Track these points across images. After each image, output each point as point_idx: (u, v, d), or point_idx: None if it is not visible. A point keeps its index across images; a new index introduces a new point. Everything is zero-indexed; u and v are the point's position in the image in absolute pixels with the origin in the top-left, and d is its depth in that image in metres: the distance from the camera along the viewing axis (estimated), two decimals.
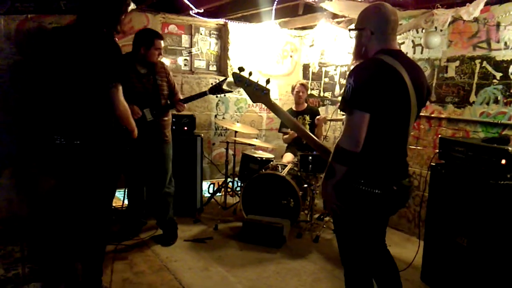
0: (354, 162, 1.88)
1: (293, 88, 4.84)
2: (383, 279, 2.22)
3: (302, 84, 4.77)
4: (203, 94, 3.75)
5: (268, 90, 2.21)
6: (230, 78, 2.53)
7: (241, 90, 5.36)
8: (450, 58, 3.83)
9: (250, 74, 2.24)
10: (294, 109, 4.84)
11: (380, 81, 1.82)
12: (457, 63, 3.77)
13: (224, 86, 3.70)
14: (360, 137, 1.81)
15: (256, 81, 2.30)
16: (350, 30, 2.10)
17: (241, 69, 2.20)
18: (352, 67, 1.94)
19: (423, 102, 2.04)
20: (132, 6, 4.01)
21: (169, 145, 3.69)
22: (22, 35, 3.94)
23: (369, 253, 2.12)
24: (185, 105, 3.67)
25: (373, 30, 1.96)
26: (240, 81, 2.19)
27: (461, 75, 3.75)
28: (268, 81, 2.24)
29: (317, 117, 4.65)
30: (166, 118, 3.61)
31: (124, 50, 4.38)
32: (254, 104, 5.59)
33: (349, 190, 1.98)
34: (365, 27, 1.98)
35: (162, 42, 3.45)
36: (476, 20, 3.51)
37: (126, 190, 3.41)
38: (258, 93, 2.15)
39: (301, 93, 4.74)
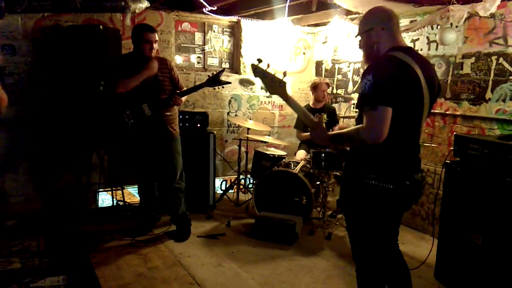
0: (365, 154, 1.92)
1: (315, 86, 4.76)
2: (393, 279, 2.21)
3: (326, 83, 4.74)
4: (200, 87, 3.61)
5: (285, 83, 2.21)
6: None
7: (254, 87, 5.43)
8: (465, 54, 3.78)
9: (268, 66, 2.25)
10: (311, 106, 4.80)
11: (398, 76, 1.85)
12: (473, 59, 3.72)
13: (222, 78, 3.57)
14: (385, 131, 1.81)
15: (273, 73, 2.31)
16: (357, 36, 2.13)
17: (259, 60, 2.21)
18: (370, 64, 1.95)
19: (434, 98, 2.06)
20: (146, 4, 4.07)
21: (176, 140, 3.67)
22: (39, 33, 4.01)
23: (381, 251, 2.11)
24: (183, 98, 3.56)
25: (383, 26, 2.00)
26: (258, 72, 2.19)
27: (476, 72, 3.70)
28: (285, 74, 2.25)
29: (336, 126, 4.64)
30: (169, 113, 3.56)
31: None
32: (267, 101, 5.60)
33: (361, 186, 1.98)
34: (373, 26, 2.02)
35: (153, 35, 3.38)
36: (492, 16, 3.46)
37: (137, 186, 3.45)
38: (275, 85, 2.16)
39: (325, 92, 4.72)
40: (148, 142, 3.56)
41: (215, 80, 3.55)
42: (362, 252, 2.15)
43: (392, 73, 1.85)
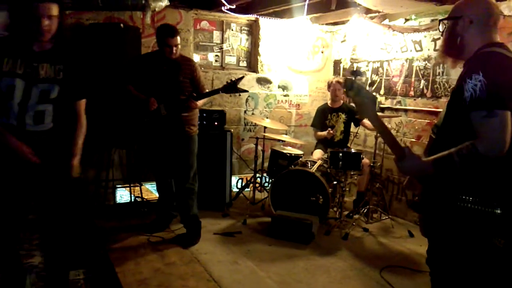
0: (481, 170, 1.55)
1: (329, 85, 4.77)
2: None
3: (338, 81, 4.70)
4: (215, 92, 3.58)
5: (376, 100, 1.81)
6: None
7: (271, 86, 5.43)
8: None
9: (358, 75, 1.74)
10: (329, 105, 4.78)
11: (511, 75, 1.56)
12: None
13: (240, 85, 3.49)
14: (507, 138, 1.50)
15: (366, 89, 1.73)
16: (441, 20, 1.80)
17: (355, 73, 1.80)
18: (471, 62, 1.65)
19: None
20: (166, 2, 4.10)
21: (192, 141, 3.64)
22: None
23: None
24: (198, 102, 3.49)
25: (472, 19, 1.69)
26: (354, 88, 1.60)
27: None
28: (372, 84, 1.83)
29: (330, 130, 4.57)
30: (186, 114, 3.54)
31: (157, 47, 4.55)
32: (284, 100, 5.59)
33: (450, 212, 1.61)
34: (462, 16, 1.72)
35: (174, 39, 3.38)
36: None
37: (155, 183, 3.48)
38: (368, 104, 1.64)
39: (337, 91, 4.67)
40: (164, 141, 3.58)
41: (232, 87, 3.49)
42: None
43: (504, 71, 1.56)
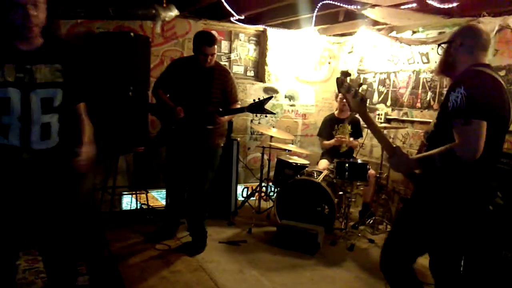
0: (457, 172, 1.83)
1: (337, 95, 4.80)
2: None
3: None
4: (240, 110, 3.52)
5: (366, 100, 2.15)
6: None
7: (277, 95, 5.46)
8: (496, 67, 3.71)
9: (348, 76, 2.22)
10: (336, 115, 4.79)
11: (491, 89, 1.84)
12: (503, 72, 3.66)
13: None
14: (480, 146, 1.74)
15: (356, 88, 2.23)
16: (439, 44, 2.12)
17: (346, 74, 2.19)
18: (458, 78, 1.91)
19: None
20: (176, 12, 4.16)
21: (214, 154, 3.57)
22: (72, 38, 4.14)
23: None
24: (222, 118, 3.42)
25: (462, 42, 2.00)
26: (343, 87, 2.13)
27: (507, 85, 3.62)
28: (360, 85, 2.21)
29: (338, 137, 4.59)
30: (211, 127, 3.43)
31: (166, 56, 4.62)
32: (290, 110, 5.62)
33: (455, 211, 1.89)
34: (455, 39, 2.04)
35: (210, 48, 3.31)
36: None
37: (166, 189, 3.47)
38: (356, 101, 2.09)
39: (344, 100, 4.67)
40: (186, 150, 3.51)
41: (258, 107, 3.36)
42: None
43: (484, 86, 1.83)
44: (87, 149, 1.87)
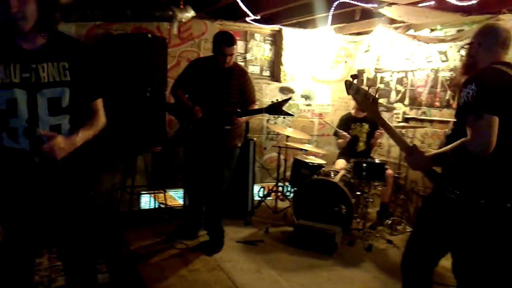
0: (474, 169, 1.83)
1: None
2: None
3: None
4: (258, 112, 3.54)
5: (378, 100, 2.12)
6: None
7: (293, 95, 5.44)
8: None
9: (356, 78, 2.22)
10: (353, 114, 4.76)
11: (502, 85, 1.85)
12: None
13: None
14: (492, 140, 1.74)
15: (366, 89, 2.20)
16: (462, 47, 2.19)
17: (354, 76, 2.16)
18: (467, 77, 1.92)
19: None
20: (192, 13, 4.19)
21: (231, 155, 3.59)
22: (90, 40, 4.21)
23: None
24: (240, 119, 3.41)
25: (481, 42, 2.04)
26: (352, 88, 2.15)
27: None
28: (377, 90, 2.17)
29: (378, 131, 4.56)
30: (229, 127, 3.43)
31: (183, 56, 4.66)
32: (306, 110, 5.60)
33: (471, 213, 1.86)
34: (473, 41, 2.08)
35: (230, 48, 3.31)
36: None
37: (184, 189, 3.50)
38: (368, 102, 2.09)
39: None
40: (204, 150, 3.53)
41: (276, 109, 3.35)
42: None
43: (496, 82, 1.85)
44: (63, 140, 1.65)
